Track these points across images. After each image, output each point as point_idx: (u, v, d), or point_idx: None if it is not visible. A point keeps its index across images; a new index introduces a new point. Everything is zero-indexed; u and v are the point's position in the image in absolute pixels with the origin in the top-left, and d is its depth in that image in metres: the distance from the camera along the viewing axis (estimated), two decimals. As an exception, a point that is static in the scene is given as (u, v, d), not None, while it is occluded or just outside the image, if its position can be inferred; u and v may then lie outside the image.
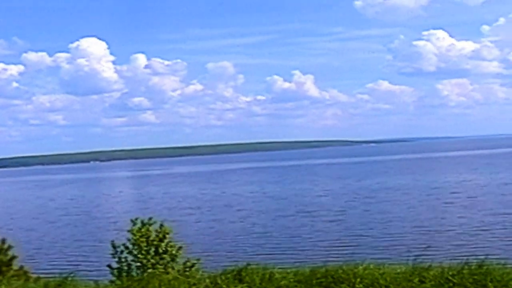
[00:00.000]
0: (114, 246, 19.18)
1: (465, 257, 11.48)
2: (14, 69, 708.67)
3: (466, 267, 10.70)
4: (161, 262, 18.43)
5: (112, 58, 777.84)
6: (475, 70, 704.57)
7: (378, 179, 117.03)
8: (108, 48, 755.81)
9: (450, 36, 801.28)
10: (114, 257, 19.09)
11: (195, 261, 18.76)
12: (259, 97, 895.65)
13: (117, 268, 18.73)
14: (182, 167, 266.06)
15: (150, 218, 19.27)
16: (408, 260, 11.48)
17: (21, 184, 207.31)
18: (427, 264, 11.10)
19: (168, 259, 18.61)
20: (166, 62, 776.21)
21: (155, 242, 18.70)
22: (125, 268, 18.61)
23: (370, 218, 62.33)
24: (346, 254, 38.01)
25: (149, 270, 17.66)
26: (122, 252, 18.95)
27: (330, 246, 46.81)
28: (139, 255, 18.51)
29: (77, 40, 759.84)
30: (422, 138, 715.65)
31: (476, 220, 56.49)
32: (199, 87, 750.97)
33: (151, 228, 18.99)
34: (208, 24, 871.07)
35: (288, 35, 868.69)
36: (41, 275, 21.11)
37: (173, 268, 18.13)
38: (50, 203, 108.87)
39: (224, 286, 11.18)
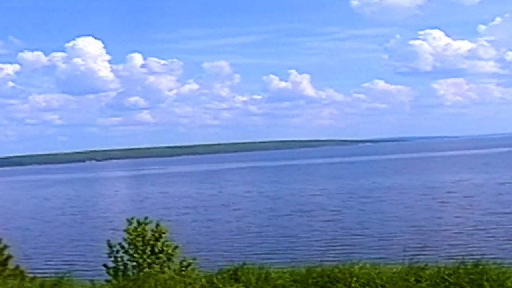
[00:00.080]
0: (110, 246, 19.16)
1: (461, 257, 11.47)
2: (10, 69, 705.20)
3: (462, 266, 10.70)
4: (157, 261, 18.42)
5: (108, 57, 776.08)
6: (471, 70, 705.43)
7: (374, 178, 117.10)
8: (104, 48, 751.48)
9: (446, 35, 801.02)
10: (110, 257, 19.07)
11: (191, 261, 18.76)
12: (255, 97, 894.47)
13: (113, 268, 18.72)
14: (178, 167, 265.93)
15: (146, 218, 19.26)
16: (404, 259, 11.48)
17: (17, 183, 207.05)
18: (423, 263, 11.10)
19: (164, 258, 18.61)
20: (162, 62, 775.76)
21: (151, 242, 18.69)
22: (121, 267, 18.60)
23: (366, 217, 62.37)
24: (342, 253, 38.11)
25: (145, 270, 17.64)
26: (118, 251, 18.94)
27: (326, 246, 46.84)
28: (135, 255, 18.50)
29: (73, 39, 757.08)
30: (418, 138, 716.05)
31: (472, 220, 56.58)
32: (195, 86, 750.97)
33: (147, 227, 18.98)
34: (204, 23, 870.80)
35: (285, 34, 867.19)
36: (37, 275, 21.10)
37: (169, 268, 18.13)
38: (46, 202, 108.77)
39: (220, 285, 11.17)
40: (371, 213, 65.02)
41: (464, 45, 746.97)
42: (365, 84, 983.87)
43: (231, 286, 11.09)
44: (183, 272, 16.99)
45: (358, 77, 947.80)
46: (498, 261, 11.45)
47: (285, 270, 11.55)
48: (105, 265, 19.09)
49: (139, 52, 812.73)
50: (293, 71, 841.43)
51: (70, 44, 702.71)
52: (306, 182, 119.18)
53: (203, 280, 11.63)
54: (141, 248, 18.51)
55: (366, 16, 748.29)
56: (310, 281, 10.90)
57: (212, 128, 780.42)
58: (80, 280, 13.96)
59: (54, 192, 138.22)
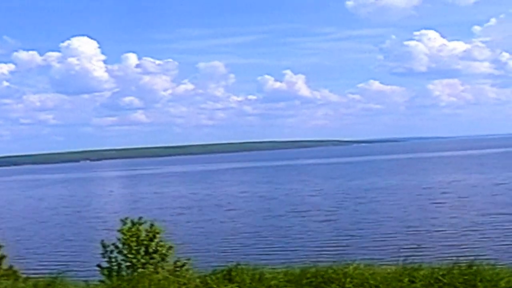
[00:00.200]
0: (104, 246, 19.12)
1: (455, 257, 11.49)
2: (4, 68, 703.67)
3: (456, 267, 10.71)
4: (151, 261, 18.37)
5: (103, 57, 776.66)
6: (466, 71, 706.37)
7: (369, 179, 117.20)
8: (99, 47, 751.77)
9: (442, 36, 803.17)
10: (104, 257, 19.03)
11: (186, 261, 18.71)
12: (250, 97, 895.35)
13: (107, 268, 18.67)
14: (173, 167, 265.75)
15: (140, 218, 19.22)
16: (398, 260, 11.50)
17: (11, 183, 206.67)
18: (417, 264, 11.11)
19: (158, 258, 18.56)
20: (157, 62, 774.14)
21: (145, 242, 18.65)
22: (115, 267, 18.55)
23: (360, 218, 62.39)
24: (336, 254, 38.11)
25: (139, 270, 17.60)
26: (112, 251, 18.89)
27: (320, 246, 46.82)
28: (129, 255, 18.45)
29: (68, 39, 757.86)
30: (413, 138, 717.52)
31: (466, 221, 56.63)
32: (190, 86, 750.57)
33: (141, 227, 18.94)
34: (200, 24, 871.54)
35: (280, 35, 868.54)
36: (31, 275, 21.07)
37: (163, 268, 18.08)
38: (40, 202, 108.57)
39: (214, 286, 11.16)
40: (366, 214, 65.05)
41: (459, 46, 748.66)
42: (360, 85, 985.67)
43: (225, 286, 11.08)
44: (177, 273, 16.95)
45: (353, 77, 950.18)
46: (492, 262, 11.46)
47: (279, 270, 11.54)
48: (99, 265, 19.03)
49: (134, 52, 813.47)
50: (288, 72, 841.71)
51: (65, 44, 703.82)
52: (301, 183, 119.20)
53: (197, 280, 11.62)
54: (135, 248, 18.47)
55: (362, 16, 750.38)
56: (304, 281, 10.90)
57: (207, 128, 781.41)
58: (74, 281, 13.94)
59: (48, 192, 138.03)
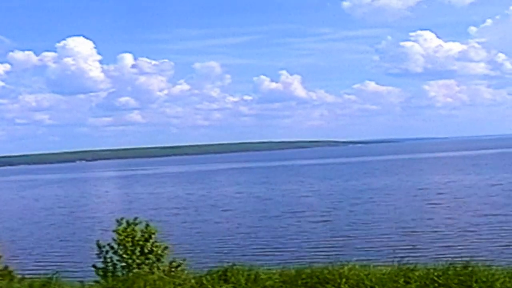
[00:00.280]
0: (99, 246, 19.12)
1: (450, 258, 11.50)
2: (0, 68, 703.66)
3: (451, 268, 10.72)
4: (146, 262, 18.37)
5: (99, 57, 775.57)
6: (462, 71, 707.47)
7: (364, 179, 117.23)
8: (95, 48, 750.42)
9: (437, 37, 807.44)
10: (99, 257, 19.03)
11: (181, 262, 18.71)
12: (246, 97, 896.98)
13: (102, 268, 18.67)
14: (169, 167, 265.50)
15: (135, 218, 19.24)
16: (393, 261, 11.51)
17: (6, 183, 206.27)
18: (413, 264, 11.12)
19: (154, 259, 18.56)
20: (153, 62, 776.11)
21: (140, 242, 18.65)
22: (111, 268, 18.55)
23: (356, 219, 62.35)
24: (331, 255, 38.01)
25: (135, 270, 17.61)
26: (107, 252, 18.90)
27: (315, 247, 46.76)
28: (124, 255, 18.45)
29: (64, 39, 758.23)
30: (409, 139, 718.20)
31: (462, 221, 56.64)
32: (186, 87, 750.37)
33: (136, 228, 18.95)
34: (196, 24, 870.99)
35: (276, 35, 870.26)
36: (26, 275, 21.02)
37: (158, 269, 18.08)
38: (35, 203, 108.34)
39: (209, 286, 11.16)
40: (361, 214, 65.01)
41: (455, 47, 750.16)
42: (356, 85, 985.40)
43: (221, 287, 11.08)
44: (173, 273, 16.97)
45: (349, 78, 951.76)
46: (487, 262, 11.49)
47: (274, 271, 11.54)
48: (94, 266, 19.03)
49: (130, 52, 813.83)
50: (284, 72, 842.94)
51: (61, 44, 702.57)
52: (296, 183, 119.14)
53: (193, 281, 11.62)
54: (130, 248, 18.47)
55: (358, 17, 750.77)
56: (299, 282, 10.89)
57: (203, 129, 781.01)
58: (69, 281, 13.93)
59: (44, 193, 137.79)
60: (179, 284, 11.66)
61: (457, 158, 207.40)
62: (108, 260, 18.75)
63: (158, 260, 18.63)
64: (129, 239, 18.56)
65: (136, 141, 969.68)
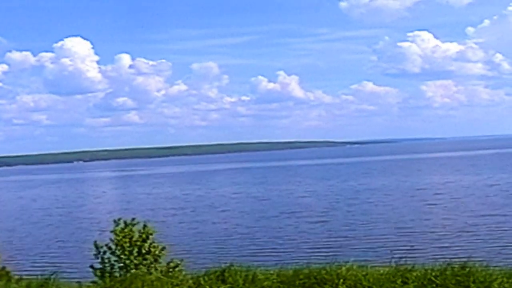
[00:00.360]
0: (97, 247, 19.11)
1: (448, 259, 11.51)
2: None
3: (449, 268, 10.73)
4: (144, 262, 18.37)
5: (96, 58, 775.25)
6: (460, 72, 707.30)
7: (362, 180, 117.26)
8: (93, 48, 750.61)
9: (435, 37, 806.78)
10: (97, 258, 19.02)
11: (178, 262, 18.72)
12: (243, 98, 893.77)
13: (100, 269, 18.66)
14: (166, 168, 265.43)
15: (133, 219, 19.24)
16: (391, 261, 11.50)
17: (4, 184, 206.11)
18: (410, 265, 11.12)
19: (151, 259, 18.56)
20: (151, 62, 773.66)
21: (138, 243, 18.64)
22: (108, 268, 18.54)
23: (353, 219, 62.37)
24: (329, 255, 37.98)
25: (132, 271, 17.60)
26: (105, 252, 18.89)
27: (313, 247, 46.77)
28: (122, 256, 18.45)
29: (62, 39, 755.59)
30: (406, 139, 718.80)
31: (459, 222, 56.66)
32: (183, 87, 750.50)
33: (134, 228, 18.95)
34: (193, 24, 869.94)
35: (273, 35, 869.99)
36: (23, 276, 21.00)
37: (156, 269, 18.08)
38: (32, 203, 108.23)
39: (207, 286, 11.15)
40: (359, 215, 65.03)
41: (452, 47, 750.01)
42: (353, 86, 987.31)
43: (218, 287, 11.07)
44: (170, 273, 16.96)
45: (346, 78, 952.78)
46: (485, 263, 11.49)
47: (272, 271, 11.54)
48: (92, 266, 19.02)
49: (128, 52, 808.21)
50: (282, 73, 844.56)
51: (59, 44, 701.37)
52: (294, 184, 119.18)
53: (190, 281, 11.62)
54: (128, 249, 18.46)
55: (355, 17, 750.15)
56: (297, 282, 10.89)
57: (200, 129, 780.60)
58: (67, 282, 13.93)
59: (41, 193, 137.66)
60: (177, 285, 11.65)
61: (455, 158, 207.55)
62: (106, 260, 18.75)
63: (156, 260, 18.63)
64: (127, 240, 18.55)
65: (134, 142, 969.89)
